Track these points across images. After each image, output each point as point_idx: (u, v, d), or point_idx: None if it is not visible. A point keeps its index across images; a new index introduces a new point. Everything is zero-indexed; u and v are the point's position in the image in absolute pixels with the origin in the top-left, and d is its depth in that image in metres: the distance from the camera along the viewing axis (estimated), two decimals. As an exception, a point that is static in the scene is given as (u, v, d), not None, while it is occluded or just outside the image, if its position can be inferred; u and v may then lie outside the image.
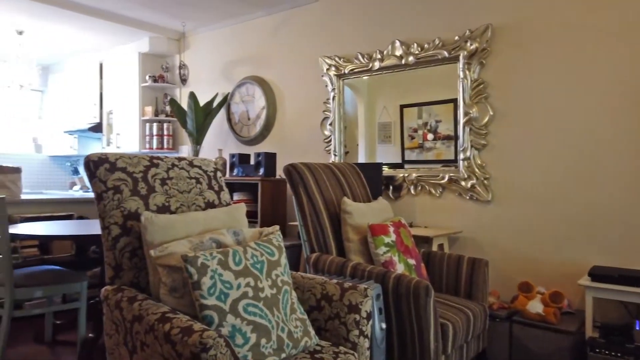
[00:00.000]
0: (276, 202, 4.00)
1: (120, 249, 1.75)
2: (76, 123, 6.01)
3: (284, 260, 1.77)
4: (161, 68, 5.28)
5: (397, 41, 3.50)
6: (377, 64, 3.60)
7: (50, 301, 3.09)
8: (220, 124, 4.82)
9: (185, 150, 5.18)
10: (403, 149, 3.60)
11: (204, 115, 4.49)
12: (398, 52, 3.49)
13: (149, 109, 5.20)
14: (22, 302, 3.46)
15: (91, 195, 4.85)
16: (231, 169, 4.20)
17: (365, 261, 2.40)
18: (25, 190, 5.89)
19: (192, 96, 4.37)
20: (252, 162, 4.35)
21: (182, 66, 4.84)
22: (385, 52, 3.57)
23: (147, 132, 5.23)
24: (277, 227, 1.90)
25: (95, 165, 1.82)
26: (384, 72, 3.61)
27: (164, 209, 1.89)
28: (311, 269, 2.43)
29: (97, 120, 5.71)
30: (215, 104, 4.66)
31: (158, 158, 2.03)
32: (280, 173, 4.20)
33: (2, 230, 2.52)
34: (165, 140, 5.20)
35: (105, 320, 1.70)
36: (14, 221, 3.67)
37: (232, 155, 4.19)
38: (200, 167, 2.16)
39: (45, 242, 3.84)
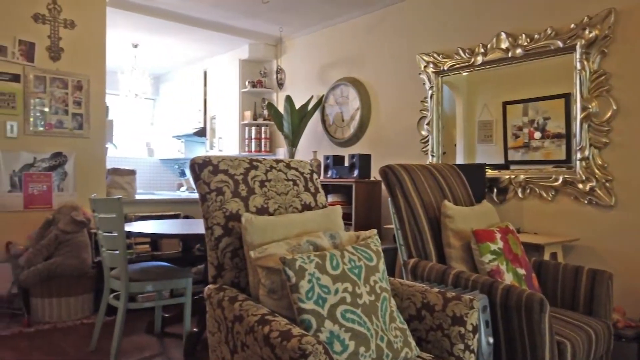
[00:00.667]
0: (370, 205, 3.92)
1: (222, 249, 1.79)
2: (183, 128, 6.43)
3: (382, 265, 1.70)
4: (259, 73, 5.46)
5: (502, 33, 3.26)
6: (479, 59, 3.38)
7: (159, 295, 3.31)
8: (314, 126, 4.86)
9: (282, 153, 5.30)
10: (506, 149, 3.35)
11: (299, 118, 4.56)
12: (504, 45, 3.25)
13: (248, 114, 5.40)
14: (135, 295, 3.74)
15: (195, 196, 5.15)
16: (325, 171, 4.21)
17: (468, 269, 2.24)
18: (139, 191, 6.42)
19: (289, 100, 4.45)
20: (346, 163, 4.33)
21: (279, 71, 4.96)
22: (489, 46, 3.35)
23: (246, 136, 5.43)
24: (374, 231, 1.83)
25: (200, 168, 1.88)
26: (488, 67, 3.39)
27: (262, 211, 1.91)
28: (409, 275, 2.33)
29: (202, 125, 6.05)
30: (310, 106, 4.71)
31: (257, 160, 2.05)
32: (375, 175, 4.12)
33: (119, 228, 2.73)
34: (262, 143, 5.37)
35: (208, 318, 1.75)
36: (129, 220, 3.99)
37: (327, 157, 4.20)
38: (296, 169, 2.16)
39: (155, 240, 4.12)
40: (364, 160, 3.88)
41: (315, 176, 2.22)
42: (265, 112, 5.45)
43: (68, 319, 3.47)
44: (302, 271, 1.49)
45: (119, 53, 5.59)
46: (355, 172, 3.88)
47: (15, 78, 3.63)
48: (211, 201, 1.83)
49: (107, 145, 4.19)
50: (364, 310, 1.52)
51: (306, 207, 2.06)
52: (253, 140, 5.40)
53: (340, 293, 1.51)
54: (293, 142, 4.63)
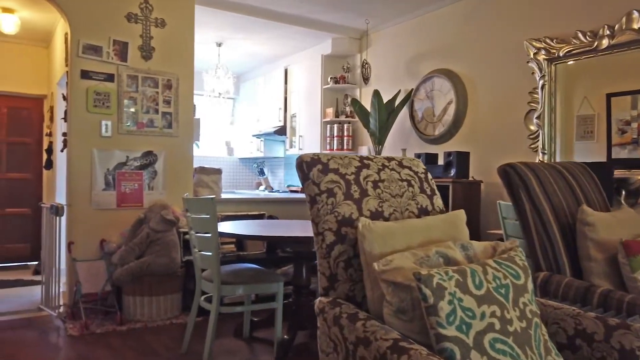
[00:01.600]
0: (469, 207, 3.59)
1: (334, 258, 1.59)
2: (263, 127, 6.39)
3: (530, 284, 1.42)
4: (342, 69, 5.26)
5: (634, 12, 2.82)
6: (605, 42, 2.96)
7: (247, 298, 3.20)
8: (401, 122, 4.59)
9: (365, 151, 5.07)
10: (609, 146, 2.93)
11: (387, 113, 4.31)
12: (636, 25, 2.81)
13: (330, 111, 5.22)
14: (222, 298, 3.67)
15: (279, 195, 5.04)
16: (417, 170, 3.92)
17: (613, 287, 1.89)
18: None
19: (376, 95, 4.21)
20: (440, 162, 4.01)
21: (365, 65, 4.73)
22: (616, 27, 2.91)
23: (328, 134, 5.26)
24: (515, 241, 1.55)
25: (309, 167, 1.70)
26: (615, 51, 2.95)
27: (377, 215, 1.69)
28: (537, 291, 2.01)
29: (282, 124, 5.97)
30: (397, 101, 4.44)
31: (368, 158, 1.84)
32: (473, 174, 3.78)
33: (213, 229, 2.63)
34: (345, 141, 5.17)
35: (320, 335, 1.56)
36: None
37: (418, 155, 3.91)
38: (410, 168, 1.92)
39: (240, 240, 4.05)
40: (462, 158, 3.56)
41: (429, 176, 1.97)
42: (348, 108, 5.25)
43: (158, 318, 3.46)
44: (441, 290, 1.25)
45: (203, 52, 5.62)
46: (452, 172, 3.57)
47: (110, 78, 3.68)
48: (321, 204, 1.64)
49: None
50: (515, 339, 1.26)
51: (423, 212, 1.82)
52: (335, 138, 5.21)
53: (488, 318, 1.25)
54: (380, 140, 4.38)
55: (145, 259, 3.44)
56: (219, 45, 5.36)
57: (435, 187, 1.93)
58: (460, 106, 3.97)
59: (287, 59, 5.93)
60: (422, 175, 1.92)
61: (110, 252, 3.58)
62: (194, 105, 4.19)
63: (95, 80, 3.63)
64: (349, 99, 5.24)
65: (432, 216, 1.73)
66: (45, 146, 5.34)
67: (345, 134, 5.16)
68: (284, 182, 6.63)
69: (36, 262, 5.19)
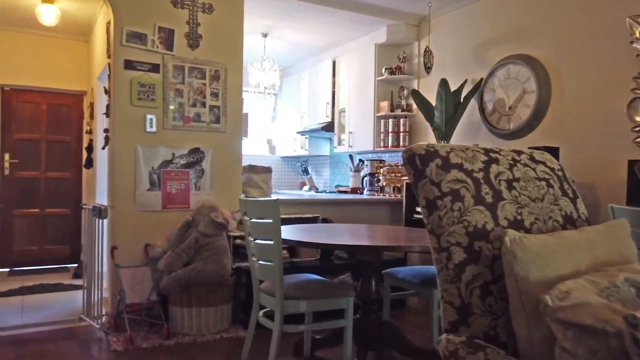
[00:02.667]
0: (559, 211, 3.12)
1: (467, 283, 1.20)
2: (308, 123, 6.04)
3: None
4: (397, 59, 4.84)
5: None
6: None
7: (309, 313, 2.83)
8: (467, 115, 4.13)
9: (424, 148, 4.63)
10: None
11: (454, 105, 3.87)
12: None
13: (385, 104, 4.81)
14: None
15: (332, 196, 4.66)
16: (493, 169, 3.48)
17: None
18: (263, 190, 6.14)
19: (444, 84, 3.78)
20: (517, 159, 3.55)
21: (427, 52, 4.30)
22: None
23: (382, 129, 4.85)
24: None
25: (424, 161, 1.31)
26: None
27: (517, 225, 1.29)
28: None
29: (329, 120, 5.60)
30: (464, 92, 4.00)
31: (492, 150, 1.44)
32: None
33: (276, 235, 2.27)
34: (401, 137, 4.75)
35: (450, 387, 1.17)
36: None
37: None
38: (544, 164, 1.50)
39: (293, 246, 3.69)
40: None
41: (567, 174, 1.55)
42: (404, 102, 4.83)
43: (207, 331, 3.14)
44: (672, 343, 0.84)
45: (248, 43, 5.30)
46: (539, 170, 3.11)
47: (155, 68, 3.39)
48: (445, 210, 1.25)
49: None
50: None
51: (568, 220, 1.40)
52: (390, 134, 4.80)
53: None
54: (445, 135, 3.95)
55: (194, 265, 3.12)
56: (265, 36, 5.03)
57: (575, 189, 1.51)
58: (542, 96, 3.50)
59: (335, 50, 5.56)
60: (560, 173, 1.51)
61: (155, 258, 3.28)
62: (242, 99, 3.86)
63: (140, 70, 3.34)
64: (405, 92, 4.82)
65: (589, 227, 1.31)
66: (85, 144, 5.13)
67: (402, 129, 4.74)
68: (330, 181, 6.26)
69: (76, 265, 4.98)
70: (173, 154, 3.49)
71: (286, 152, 6.67)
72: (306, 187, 6.31)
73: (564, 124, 3.40)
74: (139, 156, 3.35)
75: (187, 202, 3.51)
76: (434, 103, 4.03)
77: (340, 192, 5.41)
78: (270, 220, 2.28)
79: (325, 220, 3.90)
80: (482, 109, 4.01)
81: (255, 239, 2.46)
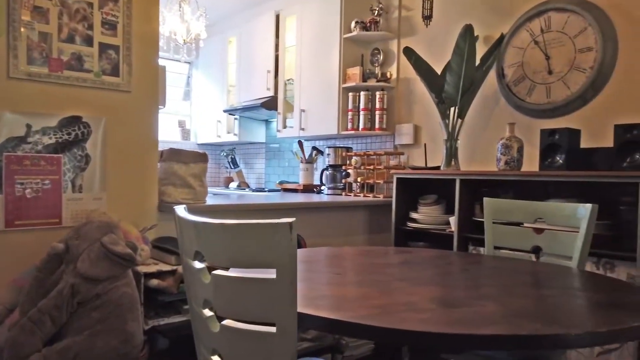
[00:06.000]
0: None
1: None
2: (238, 99, 4.59)
3: None
4: (370, 11, 3.60)
5: None
6: None
7: None
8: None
9: (407, 131, 3.46)
10: None
11: (477, 68, 2.72)
12: None
13: (355, 72, 3.55)
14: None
15: (312, 199, 3.30)
16: (544, 157, 2.37)
17: None
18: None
19: (468, 33, 2.59)
20: (584, 144, 2.48)
21: (428, -5, 3.10)
22: None
23: (350, 106, 3.59)
24: None
25: None
26: None
27: None
28: None
29: (271, 94, 4.21)
30: (481, 52, 2.87)
31: None
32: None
33: (289, 293, 0.88)
34: (376, 118, 3.53)
35: None
36: None
37: (552, 132, 2.36)
38: None
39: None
40: (647, 136, 2.04)
41: None
42: (378, 70, 3.61)
43: None
44: None
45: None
46: (635, 159, 2.05)
47: (-13, -41, 1.78)
48: None
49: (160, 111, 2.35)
50: None
51: None
52: (361, 113, 3.55)
53: None
54: (461, 111, 2.79)
55: (69, 341, 1.60)
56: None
57: None
58: (606, 56, 2.47)
59: (280, 0, 4.17)
60: None
61: (-12, 325, 1.70)
62: (157, 41, 2.34)
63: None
64: (381, 56, 3.60)
65: None
66: None
67: (378, 106, 3.51)
68: (266, 176, 4.86)
69: None
70: (29, 127, 1.90)
71: (206, 137, 5.14)
72: (234, 184, 4.86)
73: (634, 96, 2.39)
74: (-46, 127, 1.73)
75: (55, 215, 1.95)
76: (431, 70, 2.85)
77: (286, 190, 4.05)
78: (279, 264, 0.89)
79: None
80: (502, 75, 2.91)
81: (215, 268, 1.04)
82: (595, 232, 1.97)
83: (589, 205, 1.69)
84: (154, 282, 1.93)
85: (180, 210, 1.07)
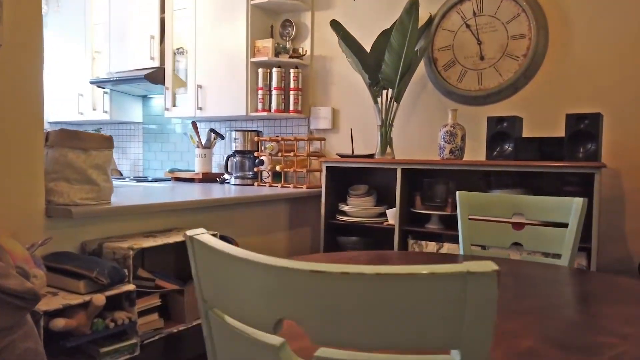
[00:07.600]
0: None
1: None
2: (110, 68, 3.78)
3: None
4: (282, -23, 3.19)
5: None
6: None
7: None
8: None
9: (325, 115, 3.18)
10: None
11: (416, 50, 2.54)
12: None
13: (266, 45, 3.12)
14: None
15: (235, 194, 2.77)
16: (492, 146, 2.30)
17: None
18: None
19: (413, 7, 2.37)
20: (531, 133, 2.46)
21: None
22: None
23: (260, 84, 3.16)
24: None
25: None
26: None
27: None
28: None
29: (156, 64, 3.53)
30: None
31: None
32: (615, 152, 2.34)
33: None
34: (291, 98, 3.16)
35: None
36: (119, 258, 1.63)
37: (501, 120, 2.30)
38: None
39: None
40: (594, 125, 2.08)
41: None
42: (290, 45, 3.24)
43: None
44: None
45: None
46: (588, 149, 2.07)
47: None
48: None
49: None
50: None
51: None
52: (273, 93, 3.16)
53: None
54: (397, 95, 2.59)
55: None
56: None
57: None
58: (539, 45, 2.48)
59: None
60: None
61: None
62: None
63: None
64: (292, 29, 3.23)
65: None
66: None
67: (292, 85, 3.14)
68: (144, 163, 4.15)
69: None
70: None
71: (61, 115, 4.18)
72: (103, 172, 4.03)
73: (564, 85, 2.46)
74: None
75: None
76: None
77: (180, 180, 3.47)
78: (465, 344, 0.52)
79: (224, 239, 2.07)
80: (431, 59, 2.79)
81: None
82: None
83: (579, 199, 1.61)
84: (60, 322, 1.34)
85: (218, 243, 0.62)
